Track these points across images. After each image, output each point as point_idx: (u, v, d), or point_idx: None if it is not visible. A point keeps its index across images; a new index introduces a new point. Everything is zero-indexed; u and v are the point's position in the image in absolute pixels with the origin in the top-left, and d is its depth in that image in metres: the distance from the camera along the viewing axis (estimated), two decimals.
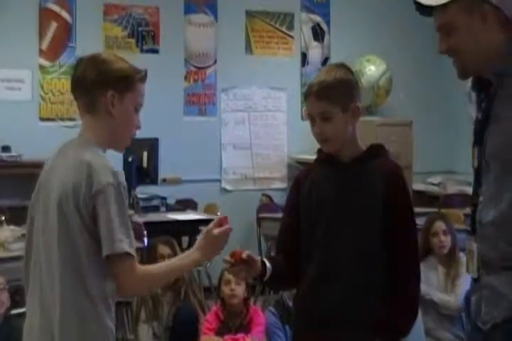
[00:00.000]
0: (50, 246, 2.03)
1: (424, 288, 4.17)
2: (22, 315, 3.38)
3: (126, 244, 1.98)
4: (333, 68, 2.29)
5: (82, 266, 1.99)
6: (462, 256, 4.34)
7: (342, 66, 2.30)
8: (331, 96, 2.18)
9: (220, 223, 2.19)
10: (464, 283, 4.02)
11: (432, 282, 4.30)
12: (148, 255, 4.36)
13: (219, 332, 4.08)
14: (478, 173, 1.97)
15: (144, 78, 2.17)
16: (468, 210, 6.75)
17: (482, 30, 1.90)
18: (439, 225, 4.36)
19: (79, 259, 1.98)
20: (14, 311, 3.54)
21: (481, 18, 1.88)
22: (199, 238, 2.20)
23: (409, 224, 2.23)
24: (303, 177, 2.35)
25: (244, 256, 2.11)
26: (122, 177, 2.02)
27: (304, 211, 2.27)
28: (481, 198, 1.95)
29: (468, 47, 1.92)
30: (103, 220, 1.97)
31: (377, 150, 2.29)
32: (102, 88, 2.09)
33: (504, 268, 1.87)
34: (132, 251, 2.00)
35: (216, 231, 2.17)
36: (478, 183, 1.97)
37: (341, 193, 2.22)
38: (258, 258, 2.19)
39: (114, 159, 2.11)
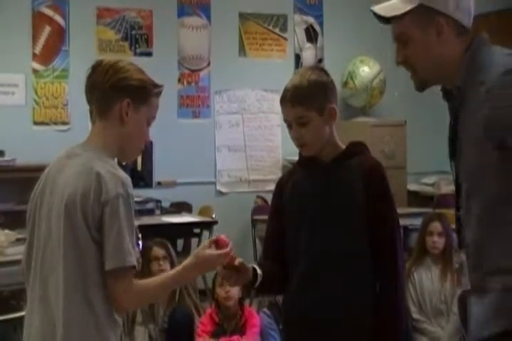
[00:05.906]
0: (54, 256, 1.98)
1: (416, 316, 4.21)
2: (10, 321, 3.35)
3: (134, 257, 1.94)
4: (307, 71, 2.27)
5: (88, 278, 1.94)
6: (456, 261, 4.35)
7: (316, 68, 2.31)
8: (306, 101, 2.18)
9: (217, 243, 2.08)
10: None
11: (424, 287, 4.30)
12: (142, 257, 4.35)
13: (214, 335, 4.09)
14: (456, 185, 1.86)
15: (160, 93, 2.15)
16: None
17: (437, 43, 1.83)
18: (436, 226, 4.36)
19: (85, 271, 1.94)
20: (6, 316, 3.49)
21: (436, 30, 1.82)
22: (189, 258, 2.07)
23: (390, 210, 2.19)
24: (285, 181, 2.34)
25: (236, 263, 2.10)
26: (131, 188, 1.98)
27: (287, 214, 2.27)
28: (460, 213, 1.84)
29: (423, 60, 1.87)
30: (111, 232, 1.91)
31: (356, 148, 2.28)
32: (119, 94, 2.05)
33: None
34: (137, 264, 1.97)
35: (208, 252, 2.06)
36: (458, 196, 1.85)
37: (322, 193, 2.21)
38: (250, 266, 2.17)
39: None
